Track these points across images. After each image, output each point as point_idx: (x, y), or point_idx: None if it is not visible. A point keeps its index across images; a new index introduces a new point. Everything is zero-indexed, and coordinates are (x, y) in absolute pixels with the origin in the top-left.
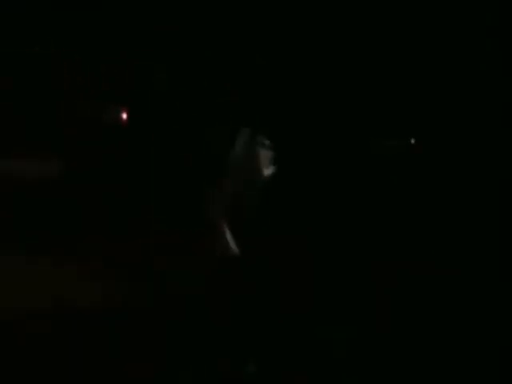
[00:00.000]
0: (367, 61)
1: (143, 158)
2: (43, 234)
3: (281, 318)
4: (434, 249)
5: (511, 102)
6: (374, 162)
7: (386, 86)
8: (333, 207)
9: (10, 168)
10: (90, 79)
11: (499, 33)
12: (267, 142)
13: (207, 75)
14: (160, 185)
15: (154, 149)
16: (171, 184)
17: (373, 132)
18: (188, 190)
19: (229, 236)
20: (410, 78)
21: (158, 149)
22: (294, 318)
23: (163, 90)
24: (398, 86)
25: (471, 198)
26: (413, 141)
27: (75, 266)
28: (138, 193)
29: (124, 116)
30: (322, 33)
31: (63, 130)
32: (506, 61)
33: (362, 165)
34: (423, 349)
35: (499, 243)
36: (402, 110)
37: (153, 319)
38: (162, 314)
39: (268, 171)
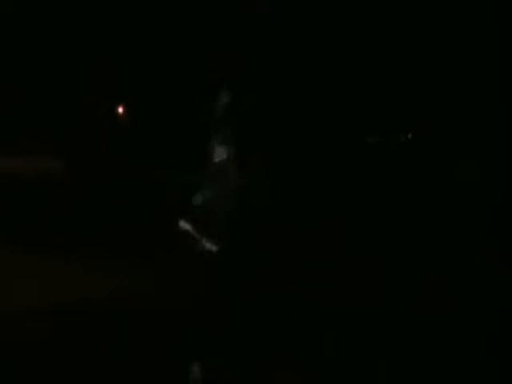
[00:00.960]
0: (367, 59)
1: (143, 158)
2: (44, 234)
3: (279, 317)
4: (431, 248)
5: (509, 102)
6: (371, 158)
7: (382, 83)
8: (330, 206)
9: (10, 168)
10: (89, 76)
11: (499, 32)
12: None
13: (202, 75)
14: (161, 185)
15: (154, 147)
16: (172, 184)
17: (370, 128)
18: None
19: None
20: (407, 75)
21: (157, 147)
22: (292, 317)
23: (161, 90)
24: (393, 83)
25: (470, 197)
26: (410, 135)
27: (75, 266)
28: (138, 193)
29: (120, 110)
30: (316, 33)
31: (64, 129)
32: (505, 60)
33: (360, 161)
34: (421, 348)
35: (499, 243)
36: (398, 107)
37: (153, 319)
38: (162, 314)
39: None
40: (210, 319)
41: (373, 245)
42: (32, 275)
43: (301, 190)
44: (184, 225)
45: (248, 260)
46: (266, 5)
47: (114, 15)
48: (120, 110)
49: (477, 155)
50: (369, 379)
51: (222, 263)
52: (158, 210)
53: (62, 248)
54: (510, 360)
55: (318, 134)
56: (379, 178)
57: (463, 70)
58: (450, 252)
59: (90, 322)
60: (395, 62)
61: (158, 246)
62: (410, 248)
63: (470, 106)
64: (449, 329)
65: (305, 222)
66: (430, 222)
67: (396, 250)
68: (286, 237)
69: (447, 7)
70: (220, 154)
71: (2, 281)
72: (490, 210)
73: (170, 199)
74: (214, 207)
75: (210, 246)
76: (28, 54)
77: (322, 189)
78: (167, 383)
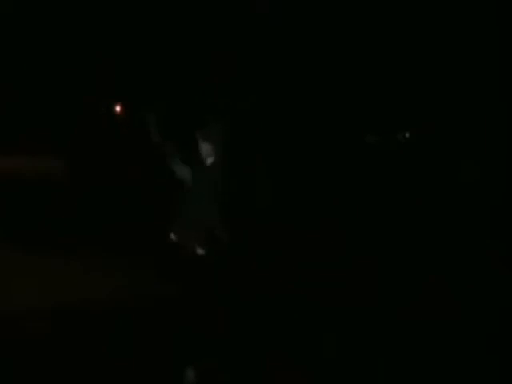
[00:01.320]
0: (367, 58)
1: (142, 158)
2: (44, 234)
3: (279, 317)
4: (431, 248)
5: (509, 102)
6: (370, 157)
7: (382, 82)
8: (330, 206)
9: (10, 168)
10: (89, 76)
11: (499, 32)
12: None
13: (201, 76)
14: (160, 185)
15: (154, 147)
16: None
17: (369, 127)
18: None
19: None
20: (407, 74)
21: (157, 147)
22: (292, 317)
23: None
24: (393, 82)
25: (470, 197)
26: (407, 134)
27: (75, 266)
28: (138, 193)
29: (118, 109)
30: (316, 33)
31: (65, 129)
32: (505, 60)
33: (359, 160)
34: (421, 348)
35: (499, 243)
36: (398, 107)
37: (153, 320)
38: (163, 315)
39: (210, 160)
40: (208, 320)
41: (373, 245)
42: (32, 275)
43: (301, 189)
44: (175, 234)
45: (241, 261)
46: (265, 5)
47: (114, 15)
48: (117, 109)
49: (477, 155)
50: (369, 379)
51: (214, 265)
52: (157, 210)
53: (61, 248)
54: (510, 360)
55: (317, 134)
56: (379, 177)
57: (463, 69)
58: (449, 252)
59: (90, 322)
60: (394, 62)
61: (157, 247)
62: (410, 248)
63: (470, 106)
64: (449, 329)
65: (305, 222)
66: (429, 221)
67: (396, 250)
68: (285, 237)
69: (447, 6)
70: (206, 151)
71: (2, 281)
72: (489, 209)
73: (168, 199)
74: (204, 209)
75: (199, 251)
76: (28, 54)
77: (322, 189)
78: (167, 383)
